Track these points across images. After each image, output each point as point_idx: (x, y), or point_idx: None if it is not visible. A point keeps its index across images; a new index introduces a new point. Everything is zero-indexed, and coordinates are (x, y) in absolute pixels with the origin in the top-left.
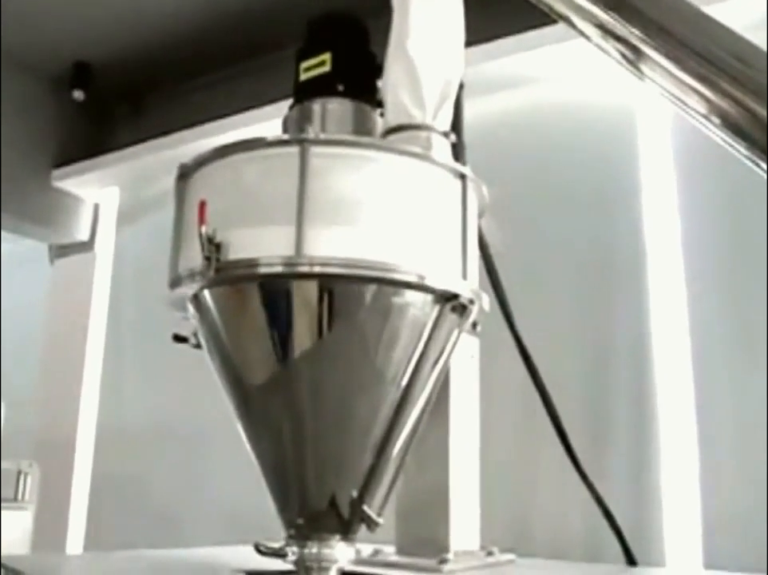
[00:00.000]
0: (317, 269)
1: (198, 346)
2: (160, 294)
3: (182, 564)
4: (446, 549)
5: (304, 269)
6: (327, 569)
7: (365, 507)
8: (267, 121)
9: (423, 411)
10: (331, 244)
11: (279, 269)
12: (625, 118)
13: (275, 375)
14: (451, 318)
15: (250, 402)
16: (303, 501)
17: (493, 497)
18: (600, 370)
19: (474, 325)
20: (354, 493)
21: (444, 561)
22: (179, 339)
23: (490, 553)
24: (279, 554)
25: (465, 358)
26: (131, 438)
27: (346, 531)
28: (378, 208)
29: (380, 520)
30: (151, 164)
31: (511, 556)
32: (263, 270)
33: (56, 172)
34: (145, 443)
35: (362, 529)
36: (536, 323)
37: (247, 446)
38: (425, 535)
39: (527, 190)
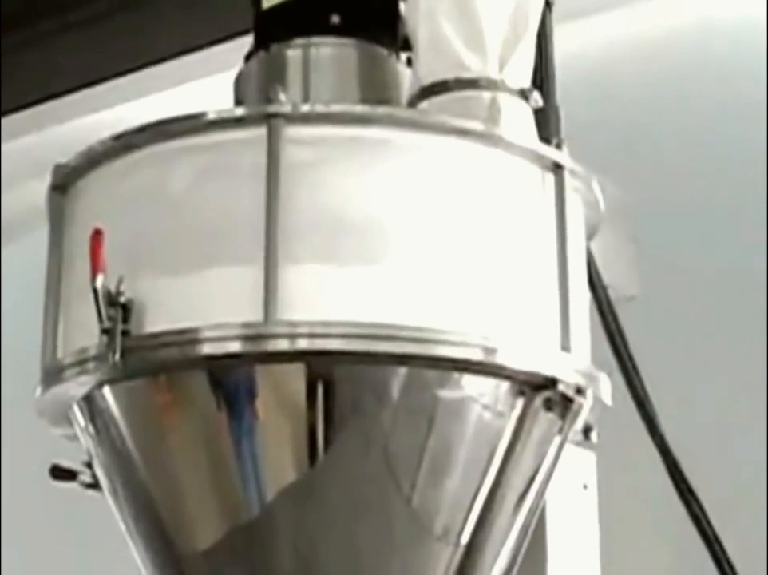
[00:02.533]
0: (302, 344)
1: (93, 485)
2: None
3: None
4: None
5: (281, 344)
6: None
7: None
8: (204, 78)
9: None
10: (327, 299)
11: (235, 346)
12: None
13: (235, 534)
14: (545, 419)
15: None
16: None
17: None
18: None
19: (587, 431)
20: None
21: None
22: (61, 473)
23: None
24: None
25: (572, 488)
26: None
27: None
28: (410, 233)
29: None
30: (7, 157)
31: None
32: (206, 349)
33: None
34: None
35: None
36: (694, 412)
37: None
38: None
39: (667, 182)
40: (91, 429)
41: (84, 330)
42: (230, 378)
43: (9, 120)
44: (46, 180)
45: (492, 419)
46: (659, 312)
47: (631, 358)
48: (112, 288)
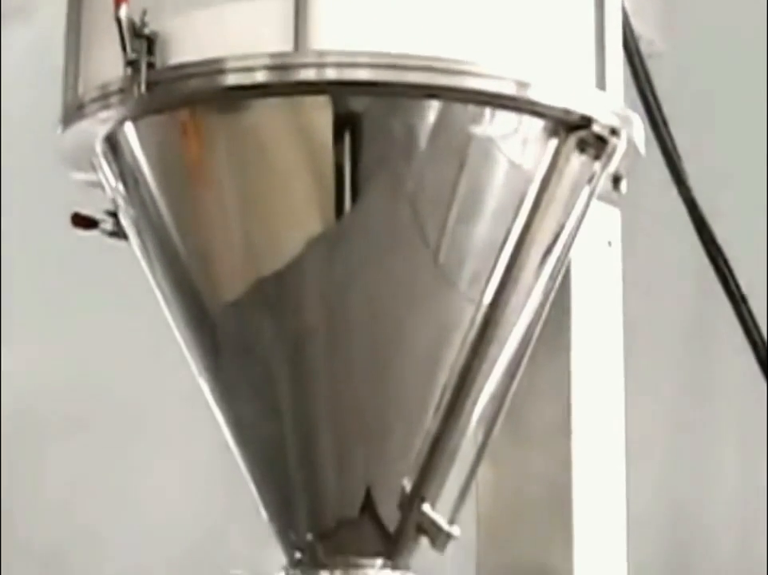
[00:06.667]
0: (330, 74)
1: (117, 233)
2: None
3: None
4: None
5: (308, 74)
6: None
7: (425, 508)
8: None
9: (524, 345)
10: (357, 30)
11: (261, 76)
12: None
13: (264, 282)
14: (578, 162)
15: (221, 333)
16: (318, 503)
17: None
18: None
19: (617, 181)
20: (407, 485)
21: None
22: (82, 221)
23: None
24: None
25: (597, 245)
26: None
27: (391, 551)
28: None
29: (453, 529)
30: None
31: None
32: (232, 79)
33: None
34: (24, 434)
35: (422, 547)
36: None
37: (218, 414)
38: (530, 562)
39: None
40: (116, 171)
41: (106, 64)
42: (256, 112)
43: None
44: None
45: (523, 161)
46: (687, 68)
47: (660, 111)
48: (137, 20)
